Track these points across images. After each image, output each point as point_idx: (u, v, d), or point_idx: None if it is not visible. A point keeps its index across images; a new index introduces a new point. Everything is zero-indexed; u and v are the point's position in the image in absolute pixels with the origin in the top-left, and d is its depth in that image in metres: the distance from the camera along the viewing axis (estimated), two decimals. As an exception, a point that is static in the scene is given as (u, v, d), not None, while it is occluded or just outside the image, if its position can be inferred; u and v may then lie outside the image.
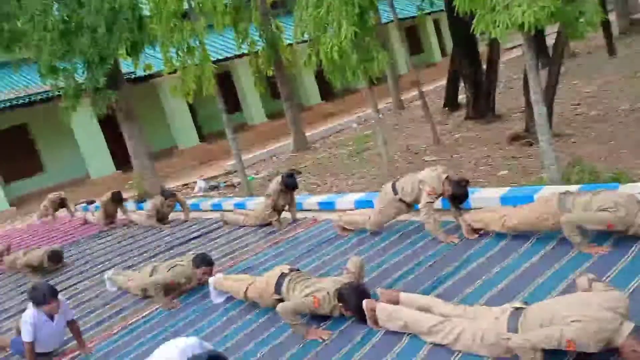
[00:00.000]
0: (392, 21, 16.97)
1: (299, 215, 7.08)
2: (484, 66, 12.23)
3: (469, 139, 10.85)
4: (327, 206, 7.16)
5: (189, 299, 5.29)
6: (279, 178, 6.88)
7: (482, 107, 12.14)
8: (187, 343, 3.07)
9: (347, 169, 10.80)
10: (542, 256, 4.13)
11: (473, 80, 12.35)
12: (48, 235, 10.28)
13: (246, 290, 4.59)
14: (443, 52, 26.28)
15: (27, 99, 14.87)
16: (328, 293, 3.94)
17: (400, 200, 5.31)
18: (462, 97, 14.07)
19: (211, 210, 8.94)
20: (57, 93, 11.78)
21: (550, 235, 4.34)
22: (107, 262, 7.27)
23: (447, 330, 3.25)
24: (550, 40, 11.74)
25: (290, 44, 13.67)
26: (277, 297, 4.25)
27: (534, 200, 4.90)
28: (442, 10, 17.77)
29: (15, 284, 7.37)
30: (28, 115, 15.75)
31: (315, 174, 11.17)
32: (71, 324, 4.67)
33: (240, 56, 17.29)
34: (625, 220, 3.80)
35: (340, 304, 3.92)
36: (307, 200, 7.58)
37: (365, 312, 3.73)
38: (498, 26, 5.31)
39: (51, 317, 4.45)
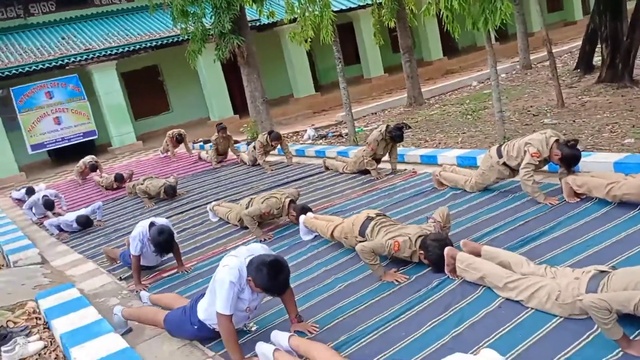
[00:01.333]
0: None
1: (400, 167, 7.03)
2: (627, 26, 11.06)
3: (597, 103, 9.98)
4: (429, 160, 7.03)
5: (282, 233, 5.54)
6: (382, 127, 6.84)
7: (619, 71, 11.04)
8: (252, 246, 3.36)
9: (459, 127, 10.43)
10: (647, 226, 3.79)
11: (612, 40, 11.23)
12: (167, 168, 11.16)
13: (333, 230, 4.71)
14: (585, 10, 24.00)
15: (159, 41, 15.98)
16: (410, 238, 3.94)
17: (504, 164, 5.09)
18: (597, 59, 12.90)
19: (315, 157, 9.14)
20: (186, 37, 12.47)
21: (661, 205, 3.96)
22: (213, 195, 7.77)
23: (524, 287, 3.13)
24: None
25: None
26: (361, 239, 4.32)
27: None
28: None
29: (132, 207, 8.14)
30: (159, 58, 16.94)
31: (425, 130, 10.92)
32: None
33: (363, 7, 17.10)
34: None
35: (421, 251, 3.90)
36: (410, 152, 7.49)
37: (445, 259, 3.69)
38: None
39: None
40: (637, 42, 11.00)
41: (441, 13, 7.04)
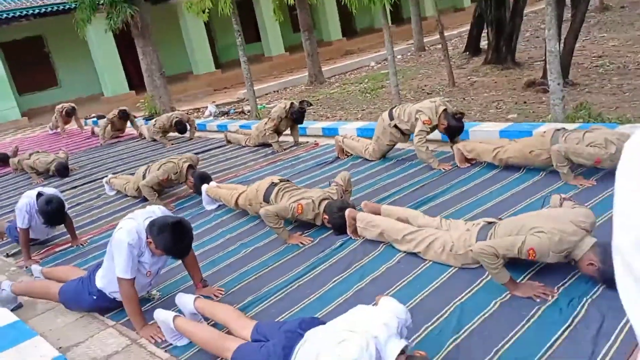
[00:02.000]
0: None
1: (302, 139, 7.10)
2: (509, 11, 11.86)
3: (484, 83, 10.65)
4: (331, 132, 7.17)
5: (183, 204, 5.42)
6: (287, 104, 6.85)
7: (503, 53, 11.85)
8: (150, 208, 3.28)
9: (359, 104, 10.71)
10: (529, 185, 4.17)
11: (497, 24, 12.00)
12: (56, 145, 10.46)
13: (237, 198, 4.68)
14: (473, -2, 25.40)
15: (43, 9, 14.78)
16: (313, 201, 4.01)
17: (396, 127, 5.30)
18: (484, 44, 13.73)
19: (216, 131, 8.99)
20: (73, 4, 11.66)
21: (540, 168, 4.34)
22: (109, 170, 7.42)
23: (420, 239, 3.31)
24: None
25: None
26: (265, 204, 4.33)
27: (532, 135, 4.87)
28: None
29: (19, 184, 7.59)
30: (44, 27, 15.71)
31: (326, 107, 11.10)
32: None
33: (261, -18, 16.96)
34: (614, 157, 3.76)
35: (325, 216, 3.99)
36: (312, 125, 7.58)
37: (347, 221, 3.80)
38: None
39: None
40: (518, 28, 11.85)
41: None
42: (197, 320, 3.05)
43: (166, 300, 3.48)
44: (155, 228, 3.02)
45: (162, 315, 2.98)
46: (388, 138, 5.43)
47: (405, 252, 3.41)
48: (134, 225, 3.11)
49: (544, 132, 4.35)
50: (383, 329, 2.09)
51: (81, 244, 4.78)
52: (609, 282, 2.58)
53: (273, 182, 4.41)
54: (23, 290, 3.79)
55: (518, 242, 2.71)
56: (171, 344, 2.98)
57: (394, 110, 5.36)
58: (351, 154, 5.91)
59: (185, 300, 3.11)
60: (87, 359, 3.03)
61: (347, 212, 3.81)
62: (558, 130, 4.24)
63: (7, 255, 4.87)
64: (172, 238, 2.99)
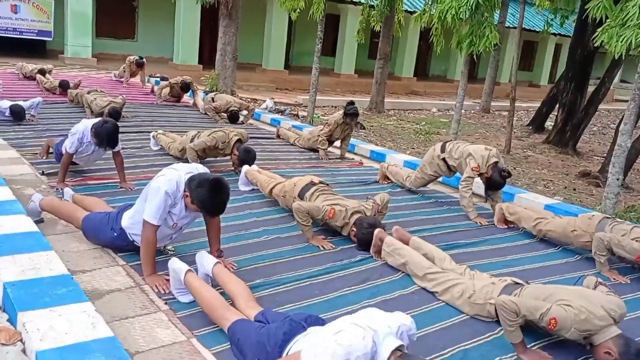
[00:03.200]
0: (514, 27, 16.36)
1: (348, 155, 7.13)
2: (585, 100, 11.75)
3: (539, 160, 10.52)
4: (378, 156, 7.18)
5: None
6: (342, 111, 6.91)
7: (566, 137, 11.71)
8: (194, 165, 3.38)
9: (410, 142, 10.70)
10: (562, 263, 4.07)
11: (569, 107, 11.88)
12: (116, 92, 10.71)
13: (274, 187, 4.71)
14: (551, 78, 25.19)
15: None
16: (346, 210, 4.01)
17: (444, 160, 5.26)
18: (549, 124, 13.61)
19: (269, 124, 9.10)
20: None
21: (576, 251, 4.24)
22: (158, 127, 7.56)
23: (441, 280, 3.26)
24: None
25: (407, 11, 13.43)
26: (299, 200, 4.35)
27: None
28: (567, 35, 17.02)
29: (71, 114, 7.82)
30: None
31: (377, 135, 11.12)
32: (116, 155, 4.83)
33: (354, 3, 17.17)
34: None
35: (354, 228, 3.98)
36: (361, 145, 7.61)
37: (373, 239, 3.77)
38: (620, 41, 5.09)
39: None
40: (590, 117, 11.71)
41: (432, 24, 7.23)
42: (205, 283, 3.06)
43: (180, 258, 3.49)
44: (195, 182, 3.07)
45: (176, 265, 3.01)
46: (433, 169, 5.40)
47: (422, 288, 3.36)
48: (175, 175, 3.17)
49: (593, 215, 4.25)
50: (384, 326, 2.09)
51: (130, 188, 4.81)
52: None
53: (312, 181, 4.43)
54: (49, 207, 3.88)
55: (542, 308, 2.64)
56: (172, 298, 3.00)
57: (447, 144, 5.33)
58: (392, 182, 5.89)
59: (206, 261, 3.11)
60: (90, 287, 3.07)
61: (377, 231, 3.79)
62: (607, 218, 4.15)
63: (42, 173, 5.00)
64: (210, 193, 3.03)
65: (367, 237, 3.85)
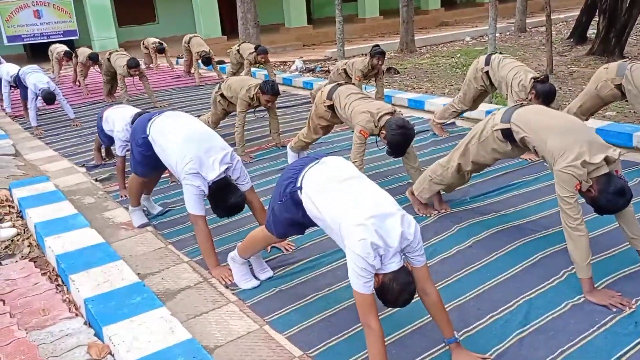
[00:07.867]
0: None
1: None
2: (627, 2, 11.04)
3: (585, 74, 10.05)
4: (416, 104, 7.07)
5: (262, 156, 5.55)
6: (359, 58, 6.80)
7: (612, 45, 11.10)
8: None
9: (447, 79, 10.43)
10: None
11: (610, 13, 11.21)
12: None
13: (308, 125, 4.86)
14: (586, -18, 23.72)
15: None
16: (371, 114, 3.98)
17: (487, 73, 5.12)
18: (591, 32, 12.91)
19: (301, 88, 9.05)
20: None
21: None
22: (195, 112, 7.67)
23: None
24: None
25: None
26: (328, 102, 4.49)
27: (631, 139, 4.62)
28: None
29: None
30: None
31: (413, 77, 10.89)
32: None
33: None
34: None
35: (383, 131, 3.85)
36: (397, 94, 7.49)
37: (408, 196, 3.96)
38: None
39: None
40: (634, 20, 11.02)
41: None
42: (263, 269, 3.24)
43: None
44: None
45: (232, 254, 3.19)
46: (479, 83, 5.26)
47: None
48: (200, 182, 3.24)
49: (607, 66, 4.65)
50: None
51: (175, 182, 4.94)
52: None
53: (338, 83, 4.57)
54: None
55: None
56: (239, 288, 3.13)
57: (492, 56, 5.15)
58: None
59: None
60: (162, 288, 3.23)
61: (407, 190, 3.98)
62: (624, 61, 4.50)
63: (97, 180, 5.20)
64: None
65: (396, 140, 3.74)
